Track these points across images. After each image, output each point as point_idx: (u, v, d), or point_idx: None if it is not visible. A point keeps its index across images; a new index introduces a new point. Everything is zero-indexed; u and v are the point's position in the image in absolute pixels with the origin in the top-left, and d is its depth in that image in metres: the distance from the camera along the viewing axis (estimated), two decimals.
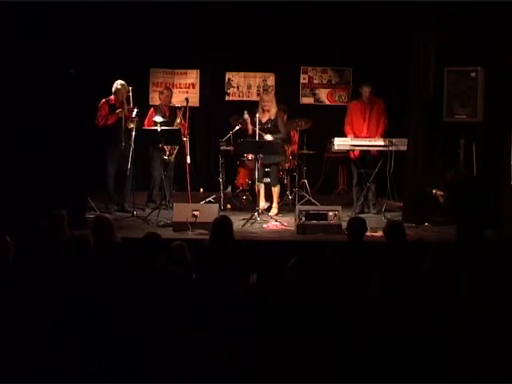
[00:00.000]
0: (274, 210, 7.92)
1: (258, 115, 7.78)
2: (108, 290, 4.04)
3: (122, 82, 8.02)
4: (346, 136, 8.15)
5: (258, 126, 7.72)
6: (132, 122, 7.79)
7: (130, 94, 7.97)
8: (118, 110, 7.88)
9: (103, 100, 8.06)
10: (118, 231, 5.83)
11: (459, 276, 3.65)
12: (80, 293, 3.95)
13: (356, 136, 8.12)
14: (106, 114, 7.97)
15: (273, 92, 8.29)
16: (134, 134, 7.75)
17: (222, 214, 6.05)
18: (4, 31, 6.82)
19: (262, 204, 7.90)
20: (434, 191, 7.45)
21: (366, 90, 8.16)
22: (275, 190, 7.97)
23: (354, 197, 8.37)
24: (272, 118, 7.94)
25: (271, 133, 7.85)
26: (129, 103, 7.97)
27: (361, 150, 8.09)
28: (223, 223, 5.49)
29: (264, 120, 7.88)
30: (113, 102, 8.03)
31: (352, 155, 8.21)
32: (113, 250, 5.10)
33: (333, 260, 5.09)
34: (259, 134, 7.72)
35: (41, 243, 5.05)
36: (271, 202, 8.11)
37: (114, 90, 8.01)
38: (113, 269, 4.54)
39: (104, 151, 8.09)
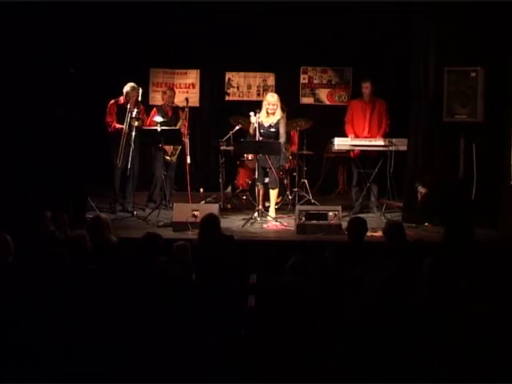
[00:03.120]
0: (272, 213, 7.82)
1: (260, 119, 7.69)
2: (107, 289, 4.05)
3: (133, 85, 8.04)
4: (346, 135, 8.13)
5: (260, 130, 7.65)
6: (137, 120, 7.83)
7: (139, 95, 8.07)
8: (118, 126, 7.90)
9: (112, 101, 8.09)
10: (117, 231, 5.85)
11: (457, 276, 3.64)
12: (79, 292, 3.96)
13: (357, 136, 8.11)
14: (114, 114, 7.99)
15: (277, 96, 8.06)
16: (133, 134, 7.78)
17: (209, 212, 5.96)
18: (4, 31, 6.82)
19: (261, 206, 7.85)
20: (418, 187, 7.48)
21: (364, 86, 8.15)
22: (273, 193, 7.90)
23: (354, 197, 8.37)
24: (274, 122, 7.78)
25: (273, 139, 7.73)
26: (139, 104, 8.02)
27: (360, 150, 8.08)
28: (210, 221, 5.47)
29: (267, 124, 7.79)
30: (121, 102, 8.06)
31: (352, 154, 8.21)
32: (109, 249, 5.10)
33: (332, 260, 5.09)
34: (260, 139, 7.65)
35: (42, 243, 5.05)
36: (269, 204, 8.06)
37: (124, 92, 8.03)
38: (111, 268, 4.54)
39: (111, 152, 8.09)
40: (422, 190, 7.47)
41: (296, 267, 4.13)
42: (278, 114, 7.78)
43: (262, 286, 4.19)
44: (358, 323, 3.35)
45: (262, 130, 7.70)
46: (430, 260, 3.84)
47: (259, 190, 7.82)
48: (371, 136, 8.07)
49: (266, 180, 7.86)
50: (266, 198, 8.03)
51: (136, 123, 7.81)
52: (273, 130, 7.77)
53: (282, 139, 7.78)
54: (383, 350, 3.12)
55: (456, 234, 5.23)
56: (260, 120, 7.70)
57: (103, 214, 6.56)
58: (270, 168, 7.70)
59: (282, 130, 7.78)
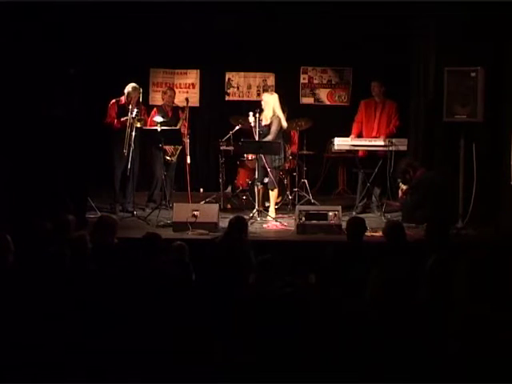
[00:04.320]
0: (272, 214, 7.81)
1: (261, 117, 7.72)
2: (107, 290, 4.05)
3: (135, 85, 8.02)
4: (351, 133, 8.08)
5: (258, 128, 7.69)
6: (140, 121, 7.82)
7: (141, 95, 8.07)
8: (123, 118, 7.87)
9: (113, 100, 8.07)
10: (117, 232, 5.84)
11: (455, 277, 3.65)
12: (79, 293, 3.96)
13: (364, 135, 8.04)
14: (115, 114, 7.98)
15: (272, 94, 8.02)
16: (133, 134, 7.77)
17: (238, 214, 6.12)
18: (4, 31, 6.82)
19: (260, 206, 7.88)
20: (399, 182, 7.52)
21: (372, 85, 8.11)
22: (273, 194, 7.88)
23: (358, 197, 8.33)
24: (269, 121, 7.77)
25: (263, 137, 7.72)
26: (140, 104, 8.02)
27: (366, 150, 8.05)
28: (239, 224, 5.53)
29: (264, 123, 7.77)
30: (122, 102, 8.04)
31: (360, 154, 8.15)
32: (110, 250, 5.10)
33: (332, 260, 5.10)
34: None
35: (43, 244, 5.04)
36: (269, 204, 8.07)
37: (126, 92, 8.01)
38: (112, 269, 4.55)
39: (111, 152, 8.08)
40: (402, 186, 7.51)
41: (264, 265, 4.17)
42: (271, 112, 7.75)
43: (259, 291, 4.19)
44: (358, 323, 3.35)
45: (259, 129, 7.72)
46: (431, 261, 3.85)
47: (258, 189, 7.81)
48: (380, 136, 7.98)
49: (266, 180, 7.85)
50: (266, 197, 8.04)
51: (138, 124, 7.81)
52: (264, 129, 7.76)
53: (270, 137, 7.74)
54: (384, 350, 3.12)
55: (435, 232, 5.26)
56: (260, 119, 7.72)
57: (114, 216, 6.59)
58: (270, 168, 7.70)
59: (272, 128, 7.76)
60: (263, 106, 7.80)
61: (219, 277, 4.79)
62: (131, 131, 7.76)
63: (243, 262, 5.15)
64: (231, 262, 5.10)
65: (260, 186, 7.78)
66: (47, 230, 5.33)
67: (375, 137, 8.00)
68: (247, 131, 8.22)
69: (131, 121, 7.79)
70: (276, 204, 8.17)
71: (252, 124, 7.74)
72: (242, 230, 5.55)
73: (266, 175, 7.84)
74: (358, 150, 8.12)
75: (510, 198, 7.06)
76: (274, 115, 7.77)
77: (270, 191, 7.86)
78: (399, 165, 7.48)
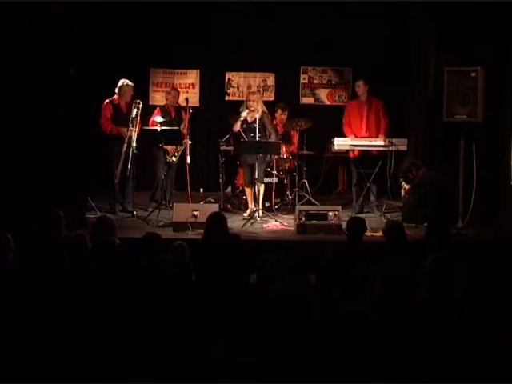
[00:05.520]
0: (259, 212, 7.65)
1: (244, 114, 7.80)
2: (107, 289, 4.05)
3: (126, 81, 7.98)
4: (345, 136, 8.12)
5: (243, 125, 7.80)
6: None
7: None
8: (125, 131, 7.81)
9: (107, 100, 8.02)
10: (117, 231, 5.84)
11: (455, 276, 3.65)
12: (79, 292, 3.96)
13: (355, 136, 8.09)
14: (109, 115, 7.94)
15: (259, 94, 8.26)
16: (134, 134, 7.76)
17: (216, 211, 6.03)
18: (4, 31, 6.82)
19: (250, 208, 7.89)
20: (401, 181, 7.53)
21: (356, 85, 8.14)
22: (259, 189, 7.78)
23: (354, 197, 8.37)
24: (256, 118, 7.77)
25: (256, 133, 7.71)
26: (136, 101, 7.91)
27: (360, 150, 8.06)
28: (217, 220, 5.50)
29: (250, 120, 7.83)
30: (116, 102, 8.00)
31: (351, 155, 8.19)
32: (112, 250, 5.11)
33: (332, 260, 5.10)
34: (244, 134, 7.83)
35: (39, 242, 5.04)
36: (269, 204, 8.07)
37: (117, 88, 7.96)
38: (112, 269, 4.55)
39: (109, 152, 8.07)
40: (405, 185, 7.52)
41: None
42: (260, 111, 7.80)
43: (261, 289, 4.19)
44: (358, 323, 3.35)
45: (244, 125, 7.81)
46: (429, 260, 3.85)
47: (258, 189, 7.78)
48: (369, 136, 8.02)
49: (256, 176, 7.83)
50: (266, 198, 8.05)
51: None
52: (255, 124, 7.75)
53: (273, 136, 7.85)
54: (384, 350, 3.12)
55: (435, 232, 5.27)
56: (245, 116, 7.82)
57: (110, 216, 6.59)
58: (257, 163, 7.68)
59: (268, 127, 7.85)
60: (251, 106, 7.82)
61: (210, 276, 4.78)
62: (130, 139, 7.72)
63: (232, 258, 5.13)
64: (218, 259, 5.07)
65: (261, 185, 7.77)
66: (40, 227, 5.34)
67: (364, 137, 8.03)
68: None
69: (130, 127, 7.75)
70: (276, 204, 8.16)
71: (242, 119, 7.81)
72: (221, 225, 5.49)
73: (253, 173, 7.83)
74: (349, 151, 8.14)
75: (510, 197, 7.06)
76: (262, 112, 7.83)
77: (259, 186, 7.80)
78: (402, 164, 7.49)
